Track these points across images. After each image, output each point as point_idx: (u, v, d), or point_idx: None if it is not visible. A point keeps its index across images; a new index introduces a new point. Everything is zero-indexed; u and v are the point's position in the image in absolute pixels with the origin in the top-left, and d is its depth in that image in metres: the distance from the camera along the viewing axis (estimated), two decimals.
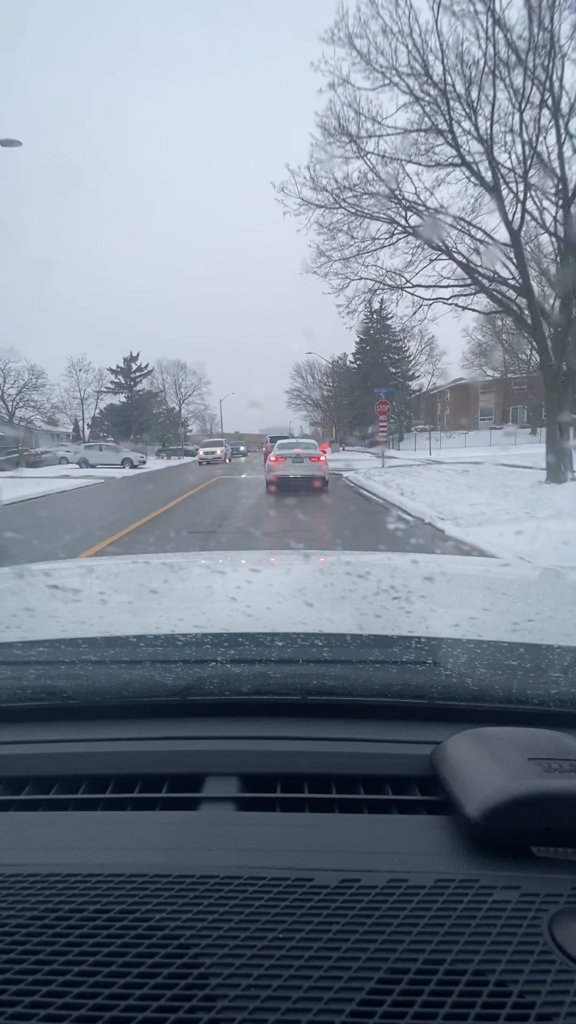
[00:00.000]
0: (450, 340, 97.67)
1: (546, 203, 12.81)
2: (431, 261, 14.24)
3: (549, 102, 11.66)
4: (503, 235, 12.67)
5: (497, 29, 11.46)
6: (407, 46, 12.19)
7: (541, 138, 12.01)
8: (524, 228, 12.68)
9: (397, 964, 0.44)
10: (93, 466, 32.69)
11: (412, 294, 15.33)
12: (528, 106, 11.86)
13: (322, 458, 14.74)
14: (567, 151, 11.81)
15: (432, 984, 0.43)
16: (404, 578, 1.46)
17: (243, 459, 45.00)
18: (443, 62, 12.09)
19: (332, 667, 0.81)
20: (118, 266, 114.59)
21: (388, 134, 13.27)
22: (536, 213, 12.83)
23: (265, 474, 15.37)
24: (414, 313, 15.71)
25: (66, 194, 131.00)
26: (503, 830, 0.54)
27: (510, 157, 12.58)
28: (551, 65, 11.41)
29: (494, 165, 12.56)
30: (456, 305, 14.46)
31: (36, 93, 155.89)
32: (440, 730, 0.69)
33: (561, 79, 11.55)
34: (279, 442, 16.95)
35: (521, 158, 12.25)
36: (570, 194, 11.87)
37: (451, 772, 0.60)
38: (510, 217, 12.46)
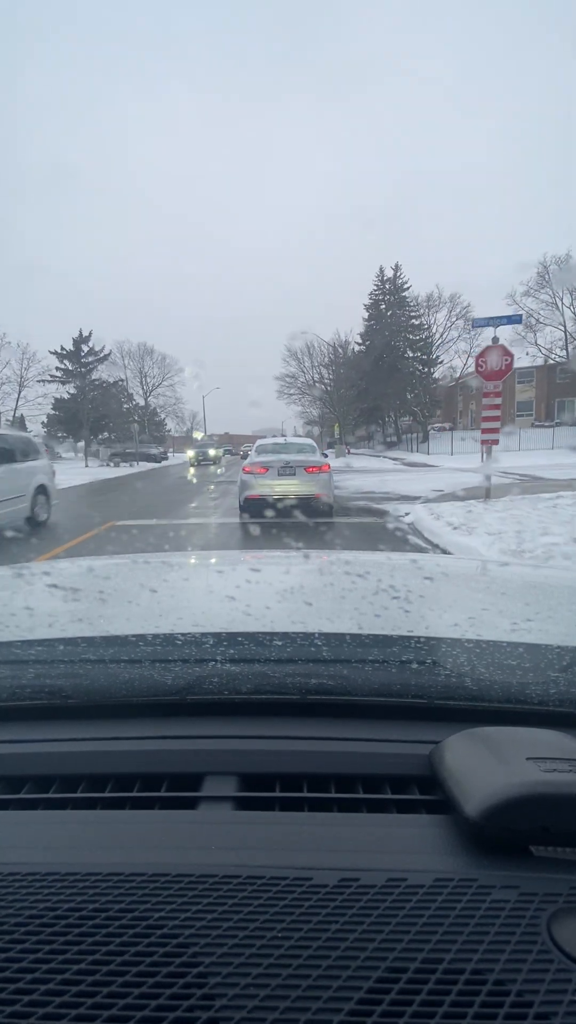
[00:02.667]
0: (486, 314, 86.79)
1: None
2: None
3: None
4: None
5: None
6: None
7: None
8: None
9: (396, 963, 0.45)
10: None
11: None
12: None
13: (324, 468, 9.46)
14: None
15: (431, 983, 0.43)
16: (404, 578, 1.46)
17: (219, 468, 33.12)
18: None
19: (331, 666, 0.81)
20: (98, 259, 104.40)
21: None
22: None
23: (238, 494, 9.93)
24: None
25: (45, 184, 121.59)
26: (502, 829, 0.54)
27: None
28: None
29: None
30: None
31: (33, 90, 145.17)
32: (439, 730, 0.70)
33: None
34: (258, 443, 11.36)
35: None
36: None
37: (450, 772, 0.61)
38: None
